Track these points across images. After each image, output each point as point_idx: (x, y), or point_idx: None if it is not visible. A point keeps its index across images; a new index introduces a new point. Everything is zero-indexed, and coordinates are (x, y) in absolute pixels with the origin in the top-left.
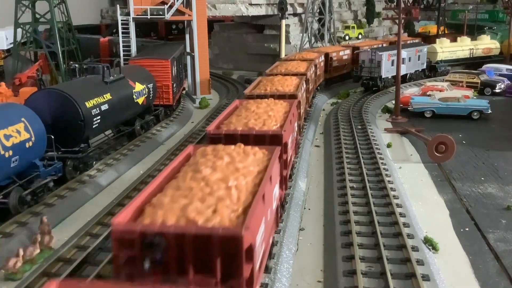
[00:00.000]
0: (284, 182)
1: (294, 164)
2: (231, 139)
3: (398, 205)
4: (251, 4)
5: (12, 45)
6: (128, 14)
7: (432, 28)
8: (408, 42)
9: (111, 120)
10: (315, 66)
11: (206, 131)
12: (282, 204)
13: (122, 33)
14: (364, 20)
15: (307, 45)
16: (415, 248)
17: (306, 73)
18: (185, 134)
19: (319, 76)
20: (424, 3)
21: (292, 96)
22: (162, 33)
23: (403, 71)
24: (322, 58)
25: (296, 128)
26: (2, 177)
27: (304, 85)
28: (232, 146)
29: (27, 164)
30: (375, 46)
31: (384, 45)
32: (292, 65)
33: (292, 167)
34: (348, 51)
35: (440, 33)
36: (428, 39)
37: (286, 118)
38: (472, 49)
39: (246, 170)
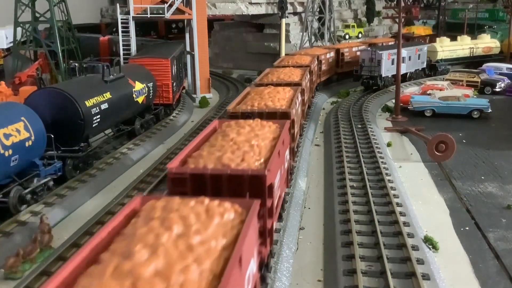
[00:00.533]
0: (269, 235)
1: (286, 198)
2: (198, 180)
3: (398, 204)
4: (251, 3)
5: (12, 44)
6: (128, 13)
7: (417, 29)
8: (390, 44)
9: (111, 119)
10: (310, 73)
11: (167, 168)
12: (267, 264)
13: (122, 32)
14: (364, 19)
15: (307, 44)
16: (415, 247)
17: (301, 83)
18: (185, 133)
19: (313, 83)
20: (424, 2)
21: (285, 115)
22: (162, 32)
23: (403, 70)
24: (316, 62)
25: (288, 157)
26: (2, 176)
27: (300, 97)
28: (192, 202)
29: (27, 163)
30: (358, 47)
31: (363, 47)
32: (284, 73)
33: (283, 204)
34: (332, 53)
35: (424, 34)
36: (411, 41)
37: (273, 147)
38: (472, 48)
39: (203, 248)
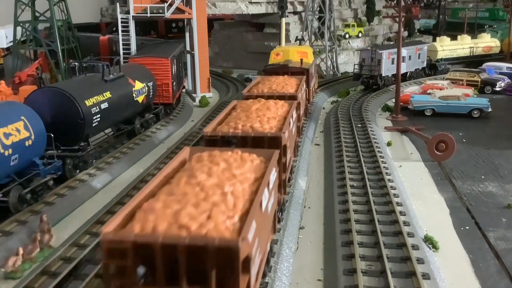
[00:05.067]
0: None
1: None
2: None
3: (398, 204)
4: (251, 2)
5: (12, 44)
6: (128, 12)
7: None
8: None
9: (111, 119)
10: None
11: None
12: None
13: (122, 31)
14: (364, 18)
15: (307, 44)
16: (415, 247)
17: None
18: (185, 133)
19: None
20: (424, 1)
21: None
22: (162, 32)
23: (403, 70)
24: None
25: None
26: (2, 175)
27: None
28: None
29: (27, 163)
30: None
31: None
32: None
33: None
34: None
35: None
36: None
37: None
38: (472, 47)
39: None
